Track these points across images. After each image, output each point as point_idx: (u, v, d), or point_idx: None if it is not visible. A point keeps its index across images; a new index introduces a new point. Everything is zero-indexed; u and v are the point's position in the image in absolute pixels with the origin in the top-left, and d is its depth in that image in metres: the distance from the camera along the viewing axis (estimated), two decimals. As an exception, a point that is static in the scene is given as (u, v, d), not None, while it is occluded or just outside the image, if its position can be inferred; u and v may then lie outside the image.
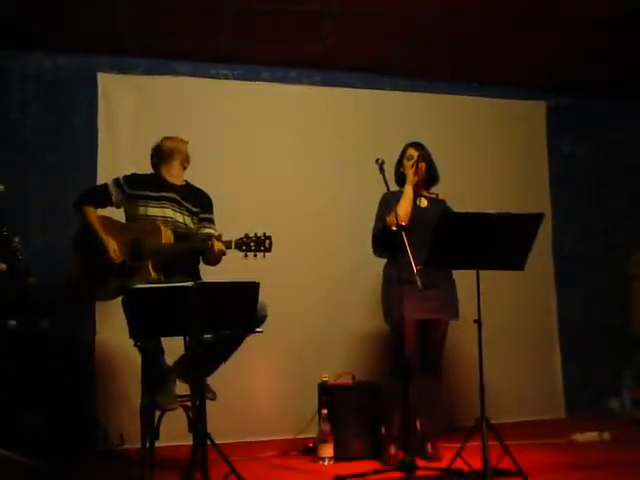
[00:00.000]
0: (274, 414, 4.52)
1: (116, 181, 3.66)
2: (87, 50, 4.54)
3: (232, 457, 3.05)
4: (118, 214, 3.72)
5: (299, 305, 4.66)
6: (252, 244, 3.24)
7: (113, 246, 3.50)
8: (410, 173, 3.86)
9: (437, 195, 4.03)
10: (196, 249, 3.57)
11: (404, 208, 3.73)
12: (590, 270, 5.50)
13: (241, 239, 3.27)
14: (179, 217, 3.61)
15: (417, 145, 3.95)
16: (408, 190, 3.83)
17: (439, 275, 3.76)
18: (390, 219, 3.61)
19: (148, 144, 3.75)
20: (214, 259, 3.50)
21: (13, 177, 4.12)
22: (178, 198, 3.63)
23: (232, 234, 3.36)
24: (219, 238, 3.37)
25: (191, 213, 3.66)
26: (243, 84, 4.90)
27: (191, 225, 3.64)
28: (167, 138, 3.76)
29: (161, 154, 3.72)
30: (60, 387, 4.17)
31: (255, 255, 3.24)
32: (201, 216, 3.69)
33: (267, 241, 3.25)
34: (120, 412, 4.22)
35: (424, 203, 3.92)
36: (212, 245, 3.35)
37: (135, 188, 3.62)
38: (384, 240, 3.78)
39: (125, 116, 4.61)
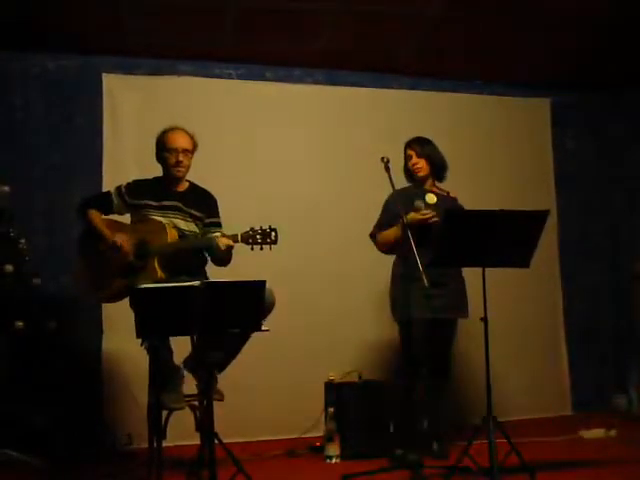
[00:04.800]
0: (281, 413, 4.52)
1: (118, 189, 3.64)
2: (90, 51, 4.54)
3: (239, 456, 3.05)
4: (122, 218, 3.70)
5: (305, 303, 4.66)
6: (258, 237, 3.22)
7: (121, 239, 3.47)
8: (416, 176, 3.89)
9: (448, 193, 3.96)
10: (202, 246, 3.57)
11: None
12: (596, 267, 5.49)
13: (247, 232, 3.25)
14: (182, 224, 3.59)
15: (412, 143, 3.90)
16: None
17: (448, 273, 3.74)
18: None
19: (153, 144, 3.74)
20: (222, 257, 3.50)
21: (17, 178, 4.14)
22: (180, 205, 3.60)
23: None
24: (224, 235, 3.36)
25: (195, 218, 3.64)
26: (247, 83, 4.90)
27: (195, 230, 3.63)
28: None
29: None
30: (67, 387, 4.19)
31: (261, 248, 3.22)
32: (206, 221, 3.67)
33: (273, 233, 3.22)
34: (127, 412, 4.22)
35: (432, 200, 3.84)
36: (217, 244, 3.34)
37: (136, 198, 3.60)
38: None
39: (130, 116, 4.61)
